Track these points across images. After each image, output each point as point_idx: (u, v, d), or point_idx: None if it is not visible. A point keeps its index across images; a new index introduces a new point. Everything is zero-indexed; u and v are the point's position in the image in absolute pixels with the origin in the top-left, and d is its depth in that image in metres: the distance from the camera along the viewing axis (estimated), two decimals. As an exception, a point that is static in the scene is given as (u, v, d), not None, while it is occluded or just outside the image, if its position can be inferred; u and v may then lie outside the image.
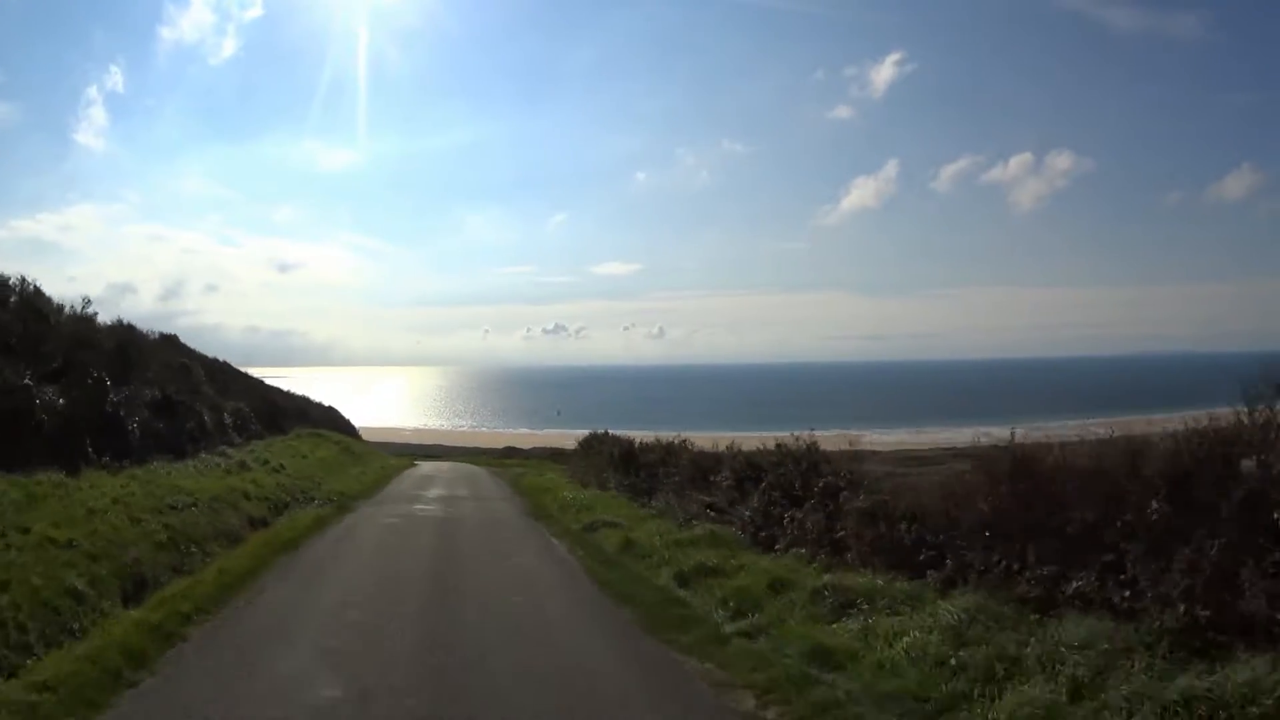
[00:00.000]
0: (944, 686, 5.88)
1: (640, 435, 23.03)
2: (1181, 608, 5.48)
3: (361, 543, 14.02)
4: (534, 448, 55.89)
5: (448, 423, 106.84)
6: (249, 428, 23.96)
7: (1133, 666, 5.28)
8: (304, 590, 10.08)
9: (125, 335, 20.40)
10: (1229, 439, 5.84)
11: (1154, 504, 5.94)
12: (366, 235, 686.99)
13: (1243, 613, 5.21)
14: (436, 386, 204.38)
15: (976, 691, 5.69)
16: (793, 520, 10.73)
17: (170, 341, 25.94)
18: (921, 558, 8.09)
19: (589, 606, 9.56)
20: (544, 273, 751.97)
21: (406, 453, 48.37)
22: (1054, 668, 5.58)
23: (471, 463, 40.48)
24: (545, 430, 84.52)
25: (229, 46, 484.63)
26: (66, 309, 17.55)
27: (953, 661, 6.13)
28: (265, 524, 14.74)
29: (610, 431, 27.20)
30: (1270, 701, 4.53)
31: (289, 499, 17.46)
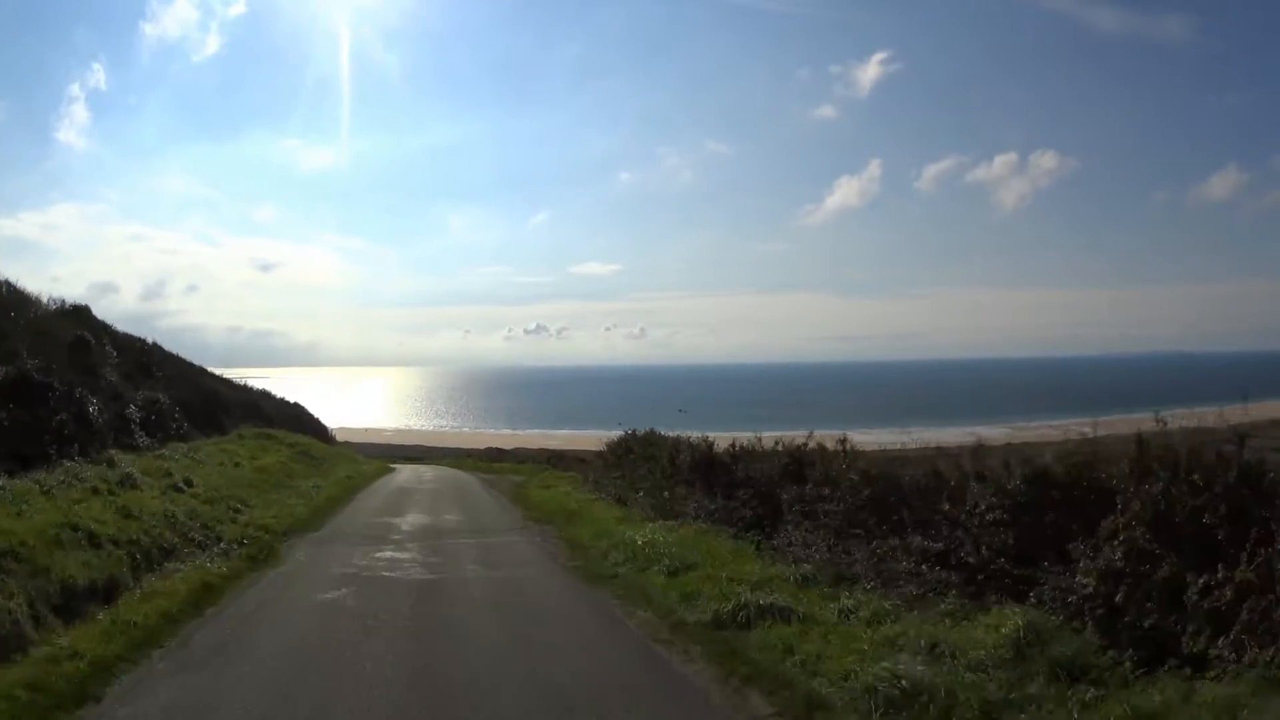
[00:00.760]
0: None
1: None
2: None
3: (249, 671, 6.46)
4: (516, 448, 55.40)
5: (429, 423, 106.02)
6: (169, 425, 18.53)
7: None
8: None
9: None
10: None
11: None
12: (348, 235, 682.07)
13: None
14: (418, 387, 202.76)
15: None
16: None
17: (75, 313, 20.46)
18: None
19: None
20: (525, 272, 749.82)
21: (386, 454, 46.78)
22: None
23: (456, 467, 35.95)
24: (528, 430, 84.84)
25: (212, 43, 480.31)
26: None
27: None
28: (96, 595, 8.02)
29: (655, 431, 19.89)
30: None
31: (175, 541, 10.68)
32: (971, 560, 7.17)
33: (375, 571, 10.69)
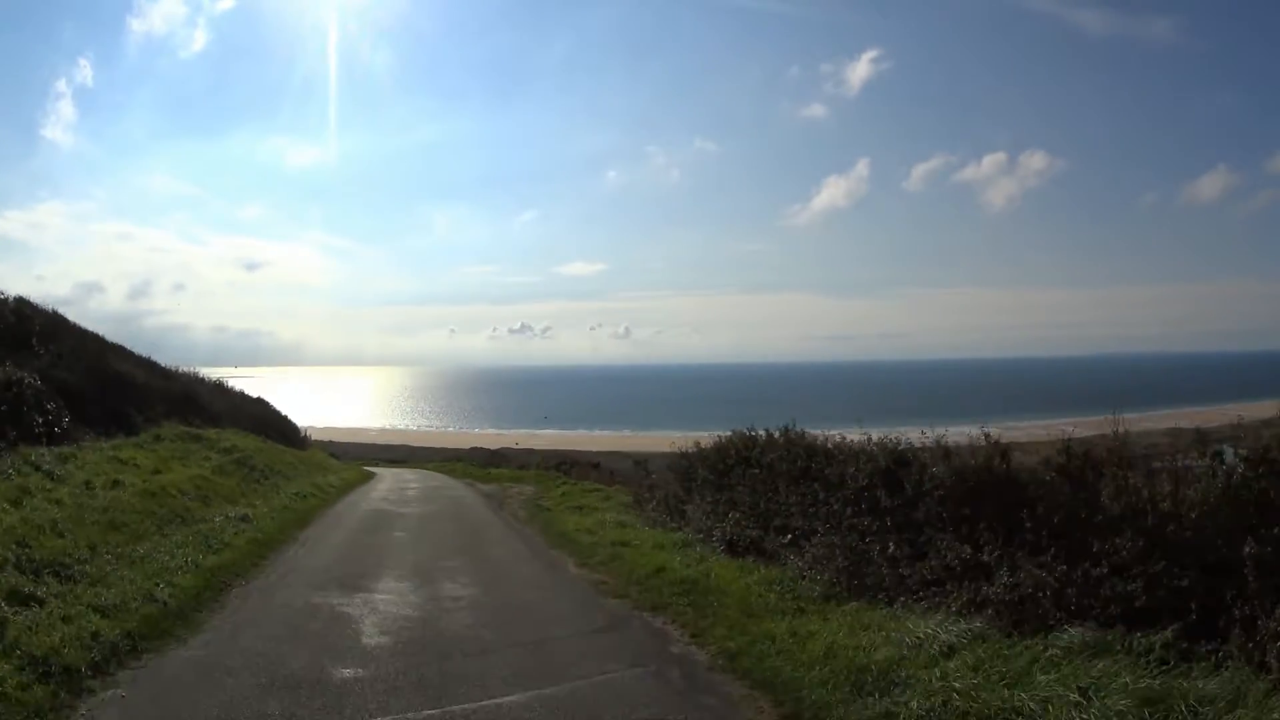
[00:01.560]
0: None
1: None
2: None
3: None
4: (503, 448, 55.06)
5: (414, 423, 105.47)
6: (34, 420, 12.93)
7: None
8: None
9: None
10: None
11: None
12: (334, 234, 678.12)
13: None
14: (403, 386, 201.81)
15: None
16: None
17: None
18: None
19: None
20: (510, 272, 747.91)
21: (369, 456, 45.95)
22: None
23: (445, 471, 31.65)
24: (513, 430, 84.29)
25: (199, 39, 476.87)
26: None
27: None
28: None
29: (773, 431, 12.34)
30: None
31: None
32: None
33: None
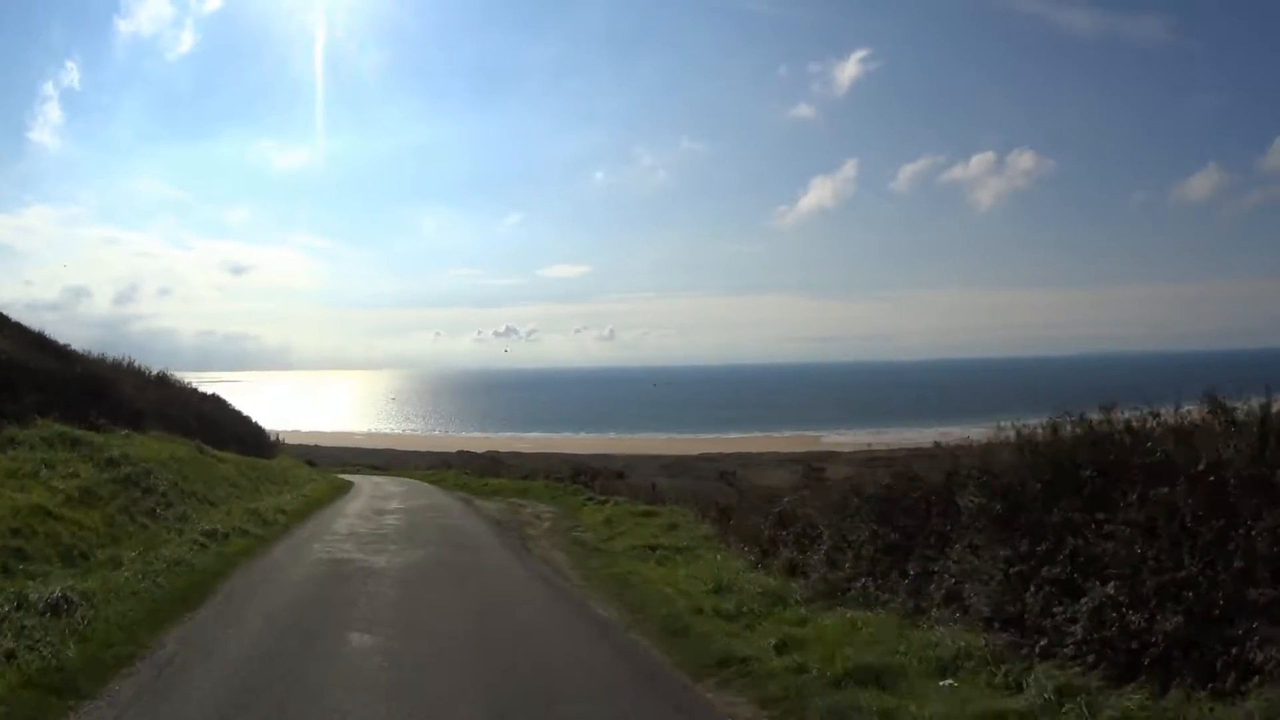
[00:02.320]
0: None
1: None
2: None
3: None
4: (487, 451, 54.51)
5: (399, 426, 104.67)
6: None
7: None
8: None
9: None
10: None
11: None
12: (320, 237, 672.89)
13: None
14: (389, 390, 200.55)
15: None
16: None
17: None
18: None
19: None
20: (496, 275, 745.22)
21: (352, 461, 44.57)
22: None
23: (434, 482, 27.63)
24: (501, 434, 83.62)
25: (187, 40, 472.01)
26: None
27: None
28: None
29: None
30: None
31: None
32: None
33: None
